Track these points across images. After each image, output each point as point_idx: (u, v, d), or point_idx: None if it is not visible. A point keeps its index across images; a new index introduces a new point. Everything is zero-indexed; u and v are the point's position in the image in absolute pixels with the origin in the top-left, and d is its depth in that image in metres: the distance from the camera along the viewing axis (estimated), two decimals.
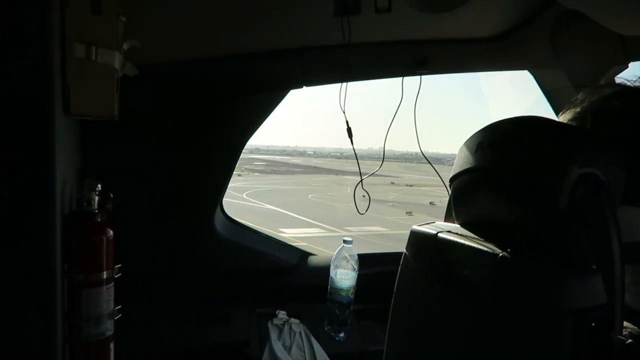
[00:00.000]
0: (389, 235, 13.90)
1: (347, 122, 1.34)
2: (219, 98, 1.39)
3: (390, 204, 21.36)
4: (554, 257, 0.56)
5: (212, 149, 1.46)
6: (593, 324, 0.52)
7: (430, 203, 21.90)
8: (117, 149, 1.38)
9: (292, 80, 1.39)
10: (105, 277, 0.90)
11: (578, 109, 0.81)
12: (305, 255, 1.75)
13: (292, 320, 1.51)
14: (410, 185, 31.17)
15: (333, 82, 1.37)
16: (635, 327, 0.53)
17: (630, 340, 0.50)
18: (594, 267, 0.54)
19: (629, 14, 0.92)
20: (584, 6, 0.93)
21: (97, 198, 0.93)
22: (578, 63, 1.37)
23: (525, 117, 0.66)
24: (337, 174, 40.51)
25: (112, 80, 0.89)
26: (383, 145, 1.51)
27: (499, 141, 0.65)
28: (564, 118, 0.83)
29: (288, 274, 1.67)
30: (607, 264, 0.51)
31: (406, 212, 18.77)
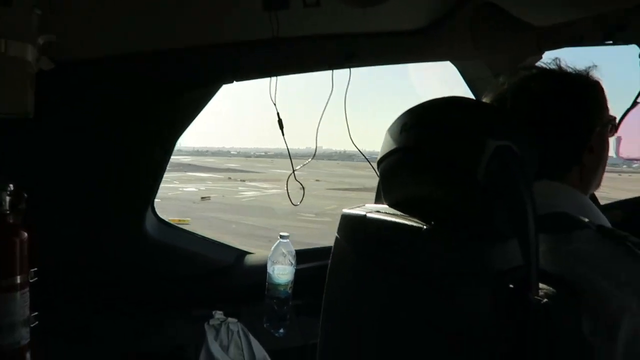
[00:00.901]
0: None
1: (277, 113, 1.34)
2: (146, 94, 1.33)
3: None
4: (474, 226, 0.59)
5: (141, 147, 1.39)
6: (511, 285, 0.55)
7: (202, 198, 20.38)
8: (36, 147, 1.27)
9: (222, 76, 1.37)
10: (19, 281, 0.83)
11: (498, 92, 0.86)
12: (241, 254, 1.71)
13: (230, 319, 1.47)
14: (243, 181, 29.87)
15: (263, 76, 1.36)
16: (551, 288, 0.57)
17: (545, 300, 0.54)
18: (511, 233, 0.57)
19: (541, 5, 0.99)
20: None
21: (8, 198, 0.86)
22: (496, 53, 1.46)
23: (447, 97, 0.69)
24: (184, 172, 39.24)
25: (24, 74, 0.82)
26: (315, 144, 1.53)
27: (422, 122, 0.68)
28: (485, 101, 0.88)
29: (224, 275, 1.63)
30: (523, 231, 0.55)
31: None
